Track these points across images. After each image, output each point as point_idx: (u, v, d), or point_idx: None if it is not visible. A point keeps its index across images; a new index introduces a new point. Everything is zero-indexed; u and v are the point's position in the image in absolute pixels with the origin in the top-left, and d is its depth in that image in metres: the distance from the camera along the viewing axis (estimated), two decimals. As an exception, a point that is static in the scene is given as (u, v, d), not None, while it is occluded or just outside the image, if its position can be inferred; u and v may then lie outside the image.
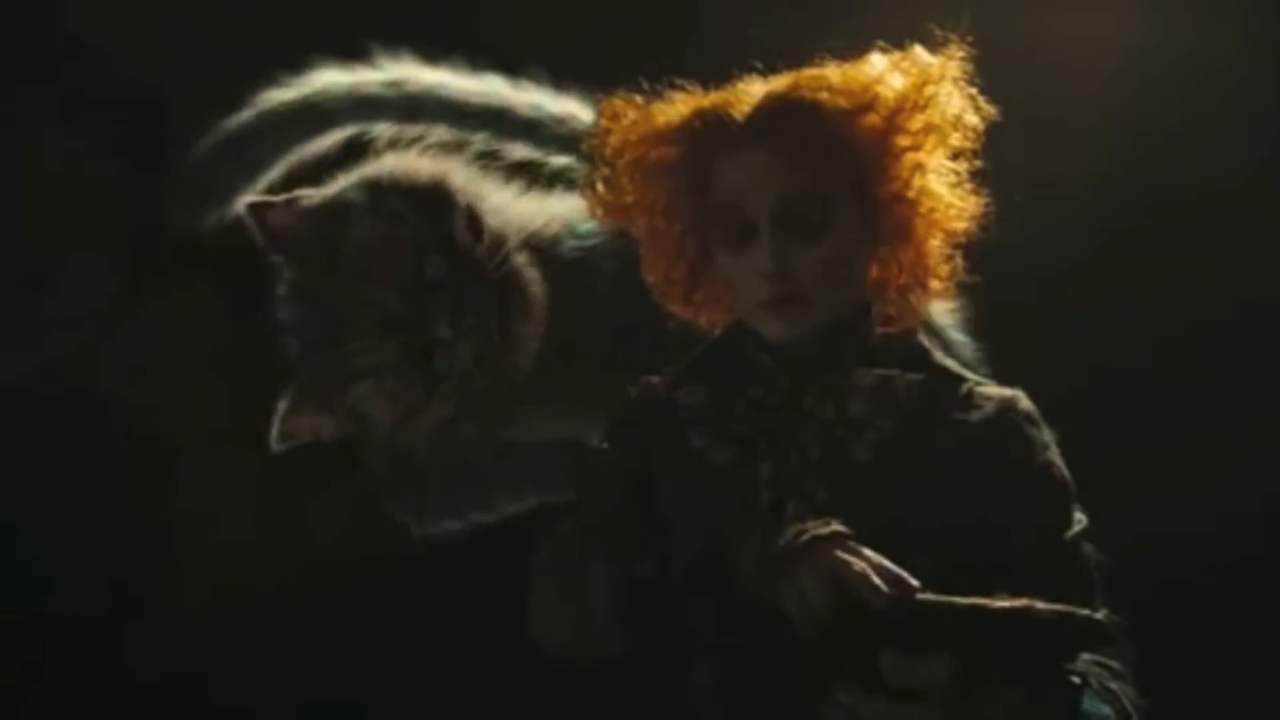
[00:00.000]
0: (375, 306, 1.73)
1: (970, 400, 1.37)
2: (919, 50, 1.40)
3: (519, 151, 1.92)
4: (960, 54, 1.39)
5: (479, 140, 1.92)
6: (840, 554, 1.17)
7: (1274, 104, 2.40)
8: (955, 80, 1.39)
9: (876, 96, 1.36)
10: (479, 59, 1.94)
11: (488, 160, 1.89)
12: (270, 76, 1.96)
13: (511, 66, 1.94)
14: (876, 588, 1.14)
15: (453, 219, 1.77)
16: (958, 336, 1.82)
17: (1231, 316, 2.35)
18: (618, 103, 1.45)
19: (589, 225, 1.78)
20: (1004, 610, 1.13)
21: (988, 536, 1.28)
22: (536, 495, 1.84)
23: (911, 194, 1.37)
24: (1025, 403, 1.38)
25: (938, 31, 1.41)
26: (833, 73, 1.38)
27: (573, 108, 1.92)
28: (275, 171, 1.93)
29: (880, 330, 1.41)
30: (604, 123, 1.44)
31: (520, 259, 1.77)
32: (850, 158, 1.37)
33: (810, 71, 1.40)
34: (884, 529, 1.19)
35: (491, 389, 1.75)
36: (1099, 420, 1.83)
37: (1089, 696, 1.23)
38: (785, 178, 1.34)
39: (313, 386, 1.80)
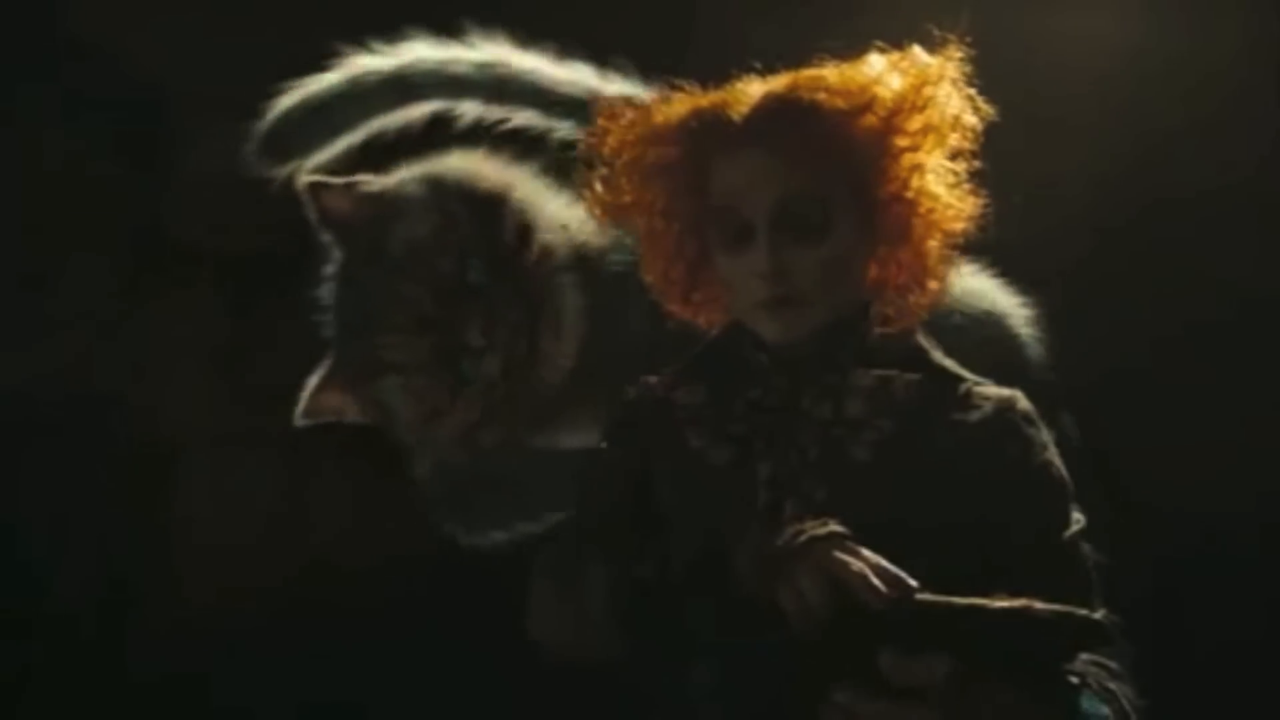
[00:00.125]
0: (412, 304, 1.75)
1: (969, 400, 1.37)
2: (917, 51, 1.40)
3: None
4: (959, 54, 1.39)
5: (564, 129, 1.92)
6: (838, 554, 1.17)
7: (1274, 104, 2.40)
8: (954, 81, 1.39)
9: (875, 97, 1.36)
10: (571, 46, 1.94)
11: (569, 150, 1.90)
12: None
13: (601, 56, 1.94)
14: (875, 588, 1.14)
15: (504, 228, 1.78)
16: (1029, 338, 1.83)
17: (1231, 316, 2.35)
18: (616, 102, 1.45)
19: None
20: (1002, 610, 1.14)
21: (986, 536, 1.28)
22: None
23: (910, 194, 1.37)
24: (1023, 403, 1.38)
25: (936, 32, 1.40)
26: (831, 73, 1.38)
27: None
28: (356, 136, 1.93)
29: (879, 330, 1.41)
30: (602, 122, 1.44)
31: (565, 277, 1.78)
32: (848, 158, 1.36)
33: (808, 72, 1.39)
34: (882, 529, 1.19)
35: (516, 398, 1.75)
36: (1099, 420, 1.82)
37: (1087, 696, 1.23)
38: (783, 179, 1.34)
39: (343, 370, 1.82)
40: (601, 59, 1.94)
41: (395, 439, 1.85)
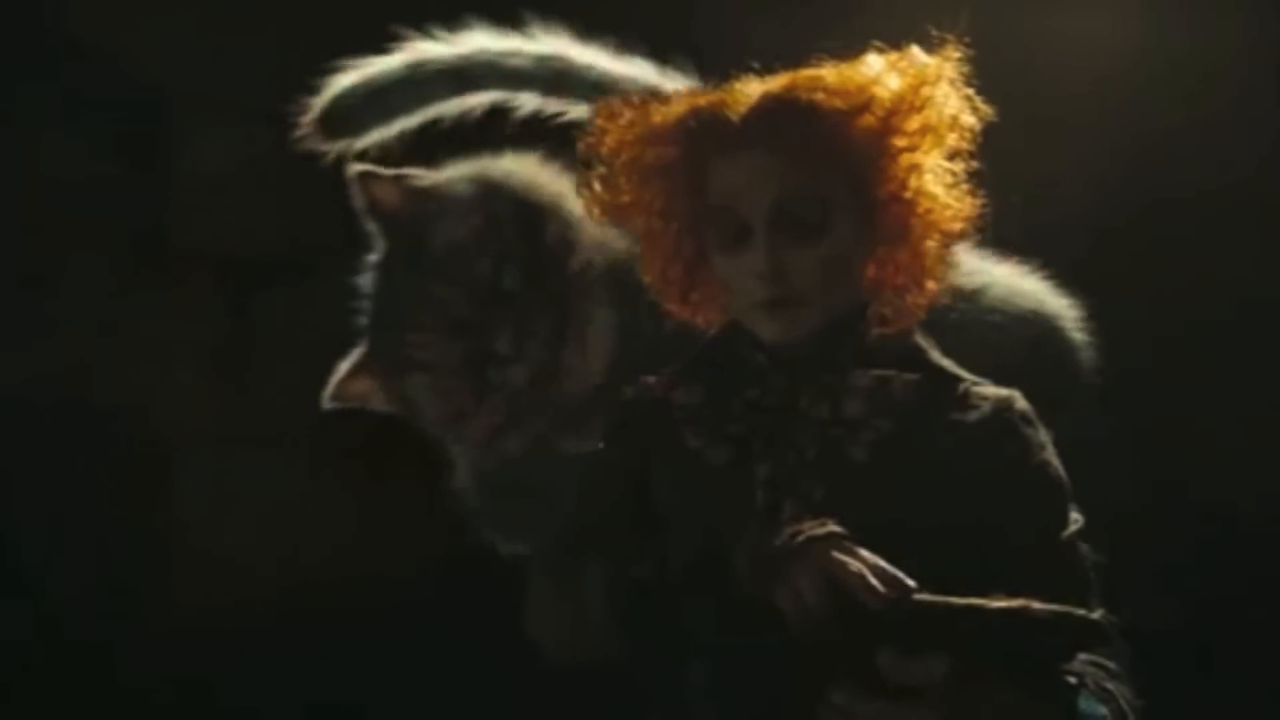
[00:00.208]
0: (445, 306, 1.76)
1: (967, 400, 1.37)
2: (916, 51, 1.40)
3: None
4: (957, 54, 1.39)
5: None
6: (836, 554, 1.17)
7: (1274, 104, 2.40)
8: (952, 81, 1.38)
9: (873, 97, 1.36)
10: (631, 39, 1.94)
11: None
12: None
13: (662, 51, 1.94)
14: (873, 588, 1.14)
15: (546, 238, 1.78)
16: (1079, 341, 1.83)
17: (1231, 316, 2.35)
18: (615, 102, 1.45)
19: None
20: (1000, 610, 1.13)
21: (984, 537, 1.27)
22: None
23: (908, 195, 1.37)
24: (1021, 403, 1.38)
25: (934, 32, 1.40)
26: (829, 73, 1.38)
27: None
28: (412, 121, 1.94)
29: (877, 331, 1.41)
30: (601, 122, 1.44)
31: (600, 293, 1.79)
32: (846, 159, 1.36)
33: (807, 72, 1.39)
34: (880, 529, 1.19)
35: (542, 406, 1.76)
36: (1098, 420, 1.83)
37: (1085, 696, 1.23)
38: (781, 179, 1.34)
39: (373, 360, 1.84)
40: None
41: (423, 433, 1.87)
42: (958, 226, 1.40)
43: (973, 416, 1.36)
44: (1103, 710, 1.24)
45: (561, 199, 1.81)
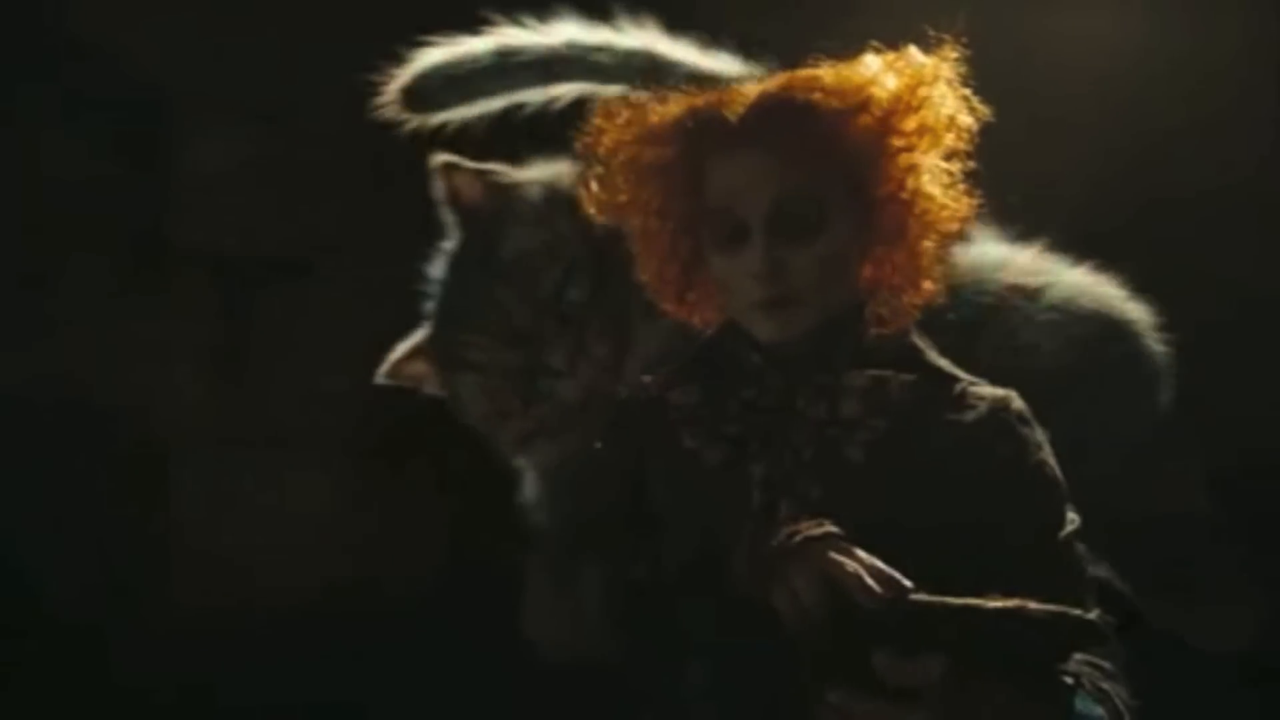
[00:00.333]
0: (506, 313, 1.78)
1: (963, 400, 1.37)
2: (913, 51, 1.40)
3: None
4: (954, 55, 1.39)
5: None
6: (833, 554, 1.17)
7: (1274, 104, 2.40)
8: (949, 81, 1.39)
9: (870, 97, 1.36)
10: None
11: None
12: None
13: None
14: (869, 588, 1.14)
15: (613, 259, 1.78)
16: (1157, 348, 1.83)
17: (1231, 316, 2.35)
18: (612, 101, 1.45)
19: None
20: (997, 610, 1.14)
21: (980, 536, 1.27)
22: None
23: (905, 195, 1.37)
24: (1018, 403, 1.38)
25: (932, 32, 1.40)
26: (827, 73, 1.38)
27: None
28: (494, 105, 1.93)
29: (873, 331, 1.41)
30: (598, 121, 1.44)
31: (663, 321, 1.79)
32: (844, 159, 1.36)
33: (804, 72, 1.39)
34: (877, 529, 1.19)
35: (583, 422, 1.76)
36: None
37: (1081, 696, 1.23)
38: (779, 179, 1.34)
39: (431, 347, 1.87)
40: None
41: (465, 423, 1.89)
42: (954, 227, 1.40)
43: (969, 416, 1.36)
44: (1099, 710, 1.24)
45: None
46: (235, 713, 2.33)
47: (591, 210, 1.48)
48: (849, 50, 1.42)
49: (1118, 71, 2.37)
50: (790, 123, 1.35)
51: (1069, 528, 1.34)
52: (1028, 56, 2.18)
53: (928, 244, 1.39)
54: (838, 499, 1.28)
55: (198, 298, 2.47)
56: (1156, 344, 1.85)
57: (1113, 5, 2.42)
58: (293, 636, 2.33)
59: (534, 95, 1.94)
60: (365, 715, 2.39)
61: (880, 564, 1.16)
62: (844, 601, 1.15)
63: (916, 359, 1.41)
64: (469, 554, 1.92)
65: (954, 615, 1.14)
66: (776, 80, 1.39)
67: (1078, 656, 1.23)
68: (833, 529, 1.20)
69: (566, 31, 1.96)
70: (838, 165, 1.36)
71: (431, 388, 1.89)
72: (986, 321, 1.75)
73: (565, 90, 1.94)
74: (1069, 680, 1.20)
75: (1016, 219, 1.85)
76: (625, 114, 1.43)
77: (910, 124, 1.37)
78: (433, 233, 1.91)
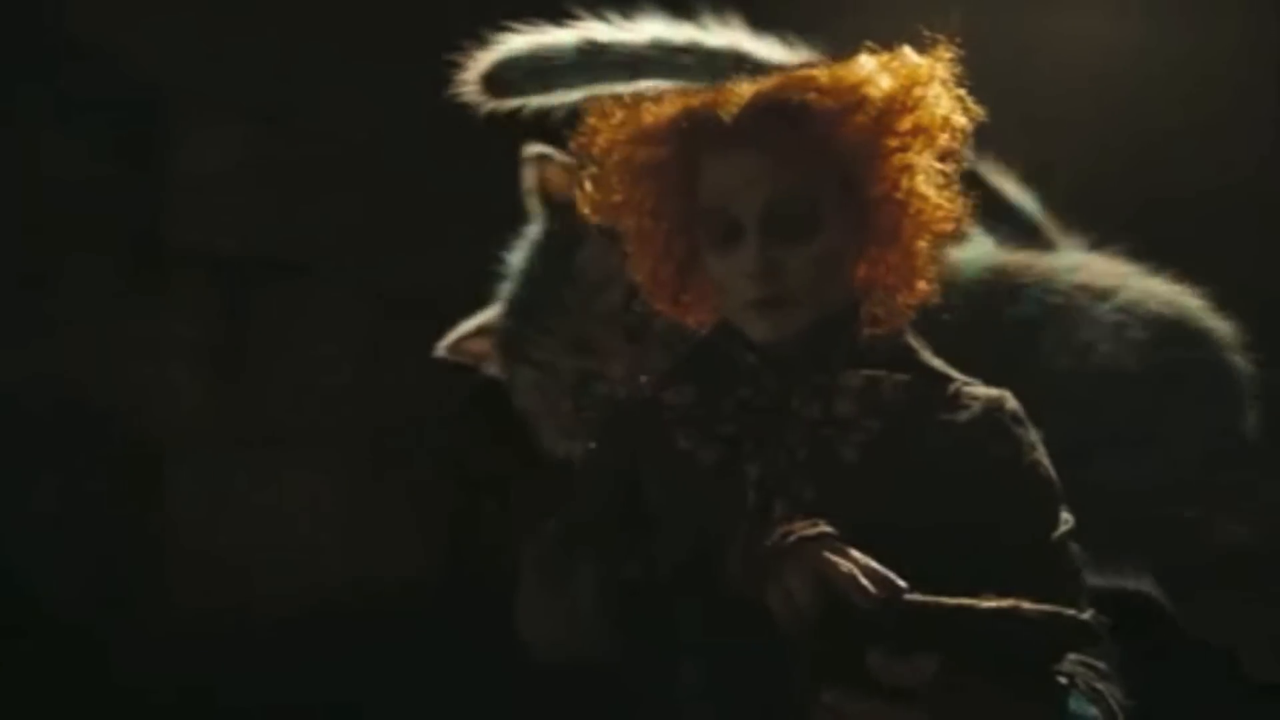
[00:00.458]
0: (572, 320, 1.81)
1: (957, 401, 1.37)
2: (908, 51, 1.40)
3: None
4: (949, 55, 1.39)
5: None
6: (827, 554, 1.17)
7: (1274, 104, 2.40)
8: (944, 81, 1.38)
9: (865, 97, 1.36)
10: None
11: None
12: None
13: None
14: (863, 588, 1.14)
15: None
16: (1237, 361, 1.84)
17: (1231, 316, 2.35)
18: (607, 101, 1.45)
19: None
20: (991, 610, 1.14)
21: (975, 537, 1.27)
22: None
23: (900, 195, 1.37)
24: (1012, 403, 1.38)
25: (927, 32, 1.40)
26: (821, 73, 1.38)
27: None
28: (573, 97, 1.92)
29: (868, 331, 1.40)
30: (593, 121, 1.44)
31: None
32: (838, 159, 1.36)
33: (799, 72, 1.39)
34: (871, 529, 1.19)
35: None
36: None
37: (1075, 696, 1.23)
38: (773, 179, 1.34)
39: (496, 332, 1.89)
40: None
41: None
42: (949, 227, 1.40)
43: (963, 417, 1.36)
44: (1093, 710, 1.24)
45: None
46: (234, 712, 2.34)
47: (586, 210, 1.48)
48: (844, 50, 1.42)
49: (1116, 72, 2.37)
50: (785, 123, 1.35)
51: (1063, 528, 1.34)
52: (1026, 57, 2.18)
53: (922, 244, 1.39)
54: (832, 499, 1.28)
55: (196, 297, 2.48)
56: (1237, 358, 1.85)
57: (1111, 5, 2.42)
58: (291, 636, 2.34)
59: (615, 89, 1.94)
60: (364, 715, 2.39)
61: (875, 564, 1.16)
62: (838, 601, 1.14)
63: (911, 359, 1.40)
64: (468, 554, 1.91)
65: (948, 615, 1.14)
66: (771, 80, 1.39)
67: (1072, 656, 1.23)
68: (827, 529, 1.20)
69: (651, 29, 1.94)
70: (832, 165, 1.36)
71: (490, 369, 1.92)
72: (1049, 320, 1.75)
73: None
74: (1063, 680, 1.20)
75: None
76: (620, 114, 1.43)
77: (905, 124, 1.37)
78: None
